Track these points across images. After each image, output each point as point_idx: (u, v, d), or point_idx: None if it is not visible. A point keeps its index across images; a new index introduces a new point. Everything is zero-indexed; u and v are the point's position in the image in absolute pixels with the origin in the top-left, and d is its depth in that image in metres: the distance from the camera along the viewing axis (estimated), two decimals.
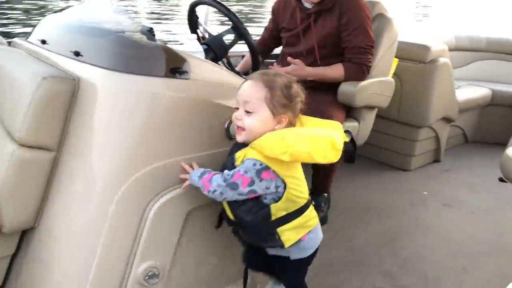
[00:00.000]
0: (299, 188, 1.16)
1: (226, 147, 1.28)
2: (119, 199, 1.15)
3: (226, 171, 1.12)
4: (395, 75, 2.43)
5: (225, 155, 1.23)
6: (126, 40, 1.30)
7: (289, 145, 1.04)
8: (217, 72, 1.33)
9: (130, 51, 1.25)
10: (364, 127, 2.26)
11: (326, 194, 2.18)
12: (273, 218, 1.15)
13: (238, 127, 1.14)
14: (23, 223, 1.21)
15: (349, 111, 2.19)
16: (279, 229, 1.16)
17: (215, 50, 1.77)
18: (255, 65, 1.84)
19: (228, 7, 1.66)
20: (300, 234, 1.19)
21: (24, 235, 1.26)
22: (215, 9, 1.85)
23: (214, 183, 1.11)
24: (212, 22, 1.92)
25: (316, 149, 1.08)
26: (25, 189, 1.18)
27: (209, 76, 1.27)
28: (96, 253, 1.14)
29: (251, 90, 1.12)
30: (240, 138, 1.14)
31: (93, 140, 1.18)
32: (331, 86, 2.09)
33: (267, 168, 1.08)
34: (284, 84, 1.13)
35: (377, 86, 2.20)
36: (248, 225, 1.18)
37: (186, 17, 1.92)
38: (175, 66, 1.22)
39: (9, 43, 1.63)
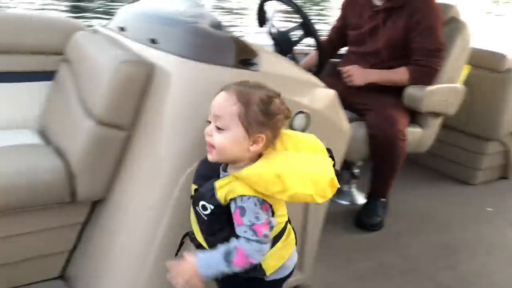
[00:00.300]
0: (283, 211, 1.04)
1: None
2: (183, 182, 1.19)
3: (244, 233, 0.93)
4: (466, 82, 2.32)
5: None
6: (200, 30, 1.34)
7: (289, 186, 0.92)
8: (286, 67, 1.34)
9: (203, 40, 1.30)
10: (427, 134, 2.18)
11: (384, 200, 2.12)
12: None
13: (208, 143, 0.99)
14: (95, 194, 1.30)
15: (413, 116, 2.11)
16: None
17: (282, 45, 1.80)
18: (322, 64, 1.83)
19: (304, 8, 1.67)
20: (284, 258, 1.06)
21: (95, 205, 1.35)
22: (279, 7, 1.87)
23: (254, 253, 0.93)
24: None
25: (318, 190, 0.96)
26: (99, 163, 1.26)
27: (278, 70, 1.29)
28: (158, 231, 1.20)
29: (223, 103, 0.96)
30: (210, 157, 0.99)
31: (163, 124, 1.24)
32: (395, 88, 2.03)
33: (264, 201, 0.95)
34: (262, 99, 0.95)
35: (445, 92, 2.11)
36: None
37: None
38: (245, 58, 1.24)
39: (90, 27, 1.75)
